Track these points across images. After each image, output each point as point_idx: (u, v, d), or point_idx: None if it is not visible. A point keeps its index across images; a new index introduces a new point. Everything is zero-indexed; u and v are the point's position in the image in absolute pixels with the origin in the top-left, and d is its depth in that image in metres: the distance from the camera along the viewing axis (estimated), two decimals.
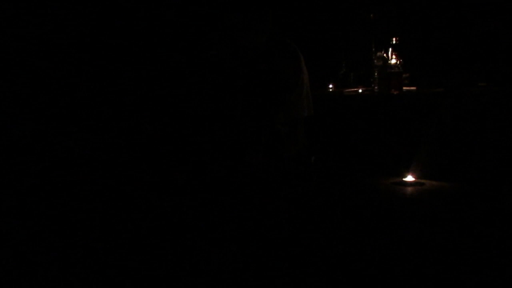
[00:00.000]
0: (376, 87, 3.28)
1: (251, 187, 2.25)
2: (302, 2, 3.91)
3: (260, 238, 2.11)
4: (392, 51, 3.21)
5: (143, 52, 3.26)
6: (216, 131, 2.67)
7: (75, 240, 2.44)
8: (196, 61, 3.00)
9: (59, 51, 3.10)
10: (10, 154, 2.83)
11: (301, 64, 2.74)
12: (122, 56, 3.24)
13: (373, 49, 3.36)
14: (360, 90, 3.48)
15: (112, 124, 3.12)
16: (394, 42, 3.22)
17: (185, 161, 2.63)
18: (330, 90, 3.75)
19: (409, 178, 2.62)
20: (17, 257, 2.33)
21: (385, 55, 3.25)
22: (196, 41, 3.18)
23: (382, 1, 3.75)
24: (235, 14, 2.64)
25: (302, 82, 2.73)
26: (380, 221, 1.77)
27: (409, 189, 2.05)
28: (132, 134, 3.06)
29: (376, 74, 3.28)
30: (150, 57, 3.26)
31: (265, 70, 2.66)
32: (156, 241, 2.24)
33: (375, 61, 3.30)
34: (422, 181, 2.08)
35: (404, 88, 3.21)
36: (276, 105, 2.65)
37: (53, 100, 3.08)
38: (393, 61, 3.19)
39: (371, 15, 3.67)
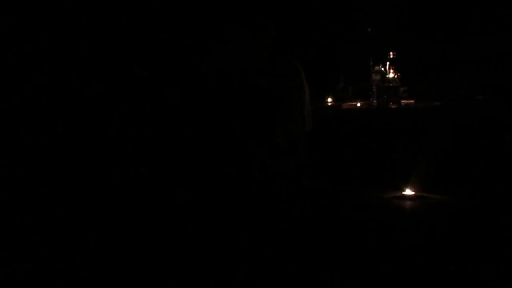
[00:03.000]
0: (374, 101, 3.30)
1: (251, 203, 2.25)
2: (300, 16, 3.94)
3: (259, 251, 2.10)
4: (389, 65, 3.24)
5: (140, 63, 3.26)
6: (215, 147, 2.67)
7: (73, 238, 2.43)
8: (196, 75, 3.01)
9: (56, 50, 3.11)
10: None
11: (302, 80, 2.76)
12: (120, 66, 3.24)
13: (371, 63, 3.38)
14: (358, 104, 3.50)
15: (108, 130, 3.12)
16: (391, 56, 3.25)
17: (185, 176, 2.63)
18: (329, 104, 3.76)
19: (408, 192, 2.63)
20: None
21: (383, 69, 3.27)
22: (195, 54, 3.19)
23: (379, 16, 3.77)
24: (237, 31, 2.66)
25: (303, 98, 2.75)
26: (382, 237, 1.77)
27: (409, 203, 2.06)
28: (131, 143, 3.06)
29: (374, 88, 3.30)
30: (146, 68, 3.26)
31: (266, 85, 2.68)
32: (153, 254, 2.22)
33: (373, 75, 3.32)
34: (423, 194, 2.08)
35: (402, 101, 3.23)
36: (277, 121, 2.66)
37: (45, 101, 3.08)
38: (391, 75, 3.22)
39: (369, 30, 3.70)
